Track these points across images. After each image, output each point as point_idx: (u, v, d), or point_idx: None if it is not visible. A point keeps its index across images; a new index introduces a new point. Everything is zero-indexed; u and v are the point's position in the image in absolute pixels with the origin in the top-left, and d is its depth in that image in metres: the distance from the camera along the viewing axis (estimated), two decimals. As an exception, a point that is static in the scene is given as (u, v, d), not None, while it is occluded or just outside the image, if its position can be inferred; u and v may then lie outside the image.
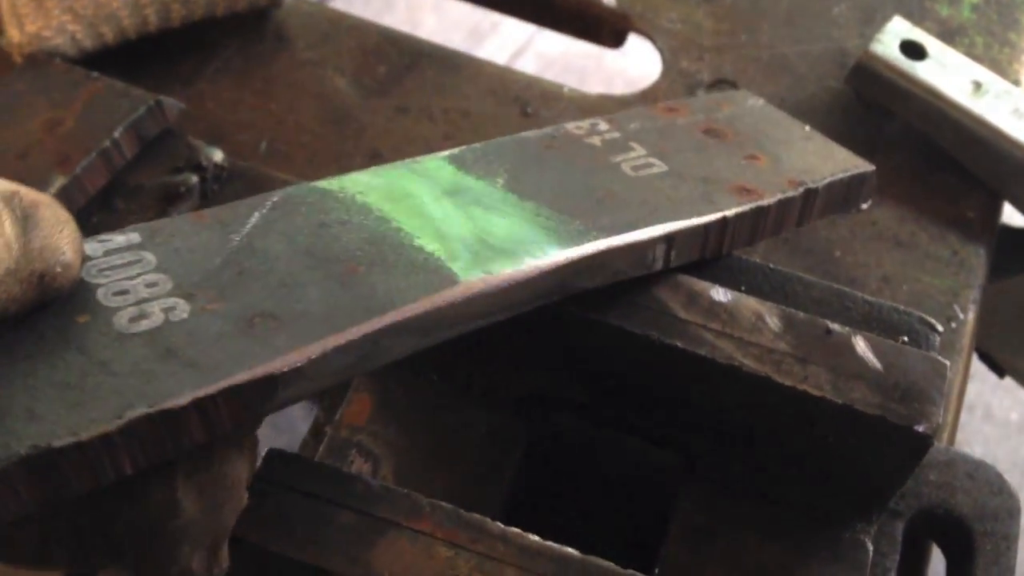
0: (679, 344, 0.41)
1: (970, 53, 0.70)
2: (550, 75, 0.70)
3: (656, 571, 0.41)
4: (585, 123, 0.49)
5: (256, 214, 0.39)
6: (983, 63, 0.67)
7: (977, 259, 0.61)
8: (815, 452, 0.42)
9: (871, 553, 0.43)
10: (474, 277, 0.37)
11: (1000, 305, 0.68)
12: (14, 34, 0.60)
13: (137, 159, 0.58)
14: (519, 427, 0.45)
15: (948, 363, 0.41)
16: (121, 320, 0.33)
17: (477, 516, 0.37)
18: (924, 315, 0.44)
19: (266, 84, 0.66)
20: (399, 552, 0.36)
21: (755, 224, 0.45)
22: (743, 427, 0.43)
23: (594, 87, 0.71)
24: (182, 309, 0.34)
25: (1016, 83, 0.68)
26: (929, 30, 0.69)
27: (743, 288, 0.45)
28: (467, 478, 0.44)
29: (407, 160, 0.45)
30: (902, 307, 0.44)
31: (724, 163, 0.47)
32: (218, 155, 0.59)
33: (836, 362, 0.41)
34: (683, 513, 0.43)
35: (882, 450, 0.41)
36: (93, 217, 0.56)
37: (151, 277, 0.35)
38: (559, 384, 0.46)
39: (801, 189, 0.46)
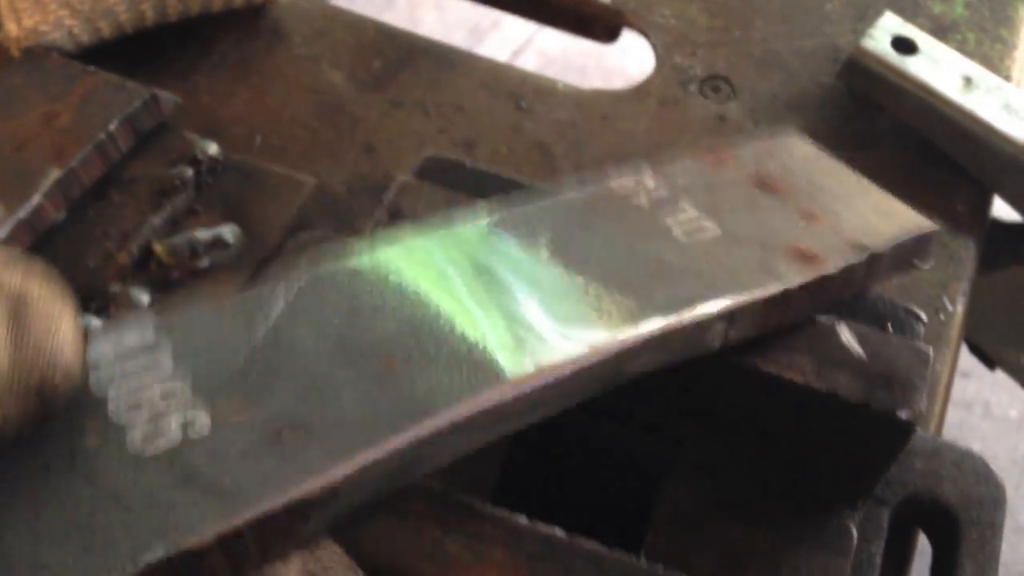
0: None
1: (962, 49, 0.70)
2: (551, 72, 0.70)
3: (641, 554, 0.41)
4: (630, 178, 0.45)
5: (282, 301, 0.36)
6: (975, 59, 0.68)
7: (967, 252, 0.61)
8: (799, 439, 0.43)
9: (856, 539, 0.44)
10: (521, 370, 0.34)
11: (990, 298, 0.68)
12: (11, 28, 0.61)
13: (133, 152, 0.59)
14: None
15: (931, 351, 0.42)
16: (135, 440, 0.30)
17: (467, 497, 0.37)
18: (909, 305, 0.44)
19: (261, 78, 0.66)
20: (388, 532, 0.36)
21: (819, 294, 0.42)
22: (728, 414, 0.44)
23: (594, 84, 0.72)
24: (202, 424, 0.31)
25: (1007, 79, 0.69)
26: (922, 26, 0.70)
27: (730, 277, 0.45)
28: (457, 462, 0.44)
29: (442, 225, 0.41)
30: (887, 297, 0.45)
31: (780, 223, 0.43)
32: (213, 148, 0.60)
33: (820, 350, 0.42)
34: (668, 499, 0.44)
35: (866, 437, 0.42)
36: (89, 209, 0.57)
37: (168, 386, 0.32)
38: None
39: (866, 255, 0.43)
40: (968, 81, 0.64)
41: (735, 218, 0.43)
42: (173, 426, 0.31)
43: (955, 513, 0.48)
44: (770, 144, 0.49)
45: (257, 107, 0.65)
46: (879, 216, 0.45)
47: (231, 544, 0.29)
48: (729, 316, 0.39)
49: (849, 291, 0.43)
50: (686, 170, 0.46)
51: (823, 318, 0.42)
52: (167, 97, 0.60)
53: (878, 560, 0.46)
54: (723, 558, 0.43)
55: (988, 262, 0.66)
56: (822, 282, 0.41)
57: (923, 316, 0.44)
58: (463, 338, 0.35)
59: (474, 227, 0.41)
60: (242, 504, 0.29)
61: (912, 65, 0.64)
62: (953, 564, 0.47)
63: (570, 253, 0.40)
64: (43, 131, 0.57)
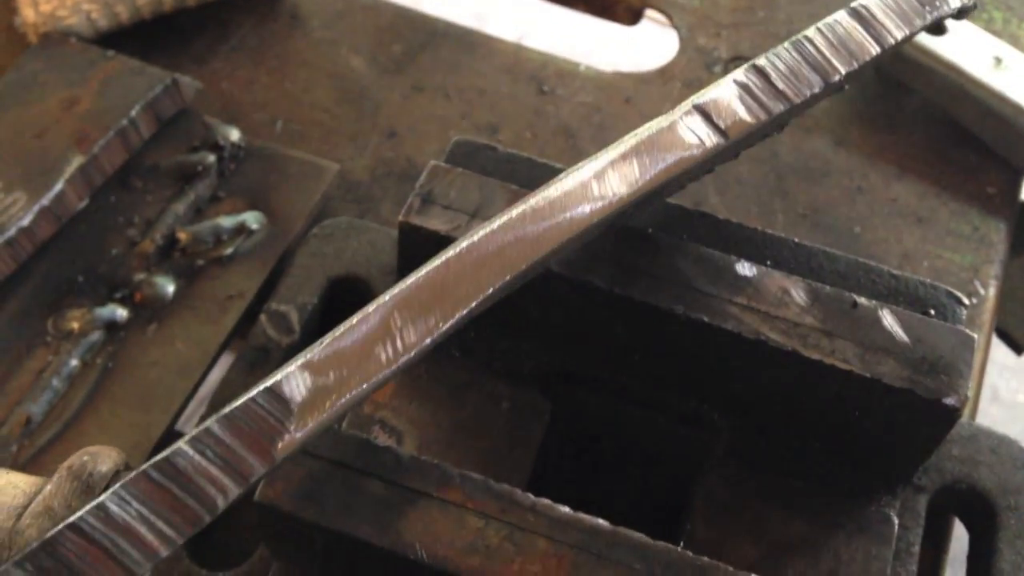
0: (705, 318, 0.41)
1: (989, 28, 0.69)
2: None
3: (681, 544, 0.41)
4: None
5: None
6: (1002, 38, 0.67)
7: (998, 235, 0.60)
8: (841, 426, 0.42)
9: (897, 526, 0.43)
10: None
11: (1019, 282, 0.67)
12: (28, 14, 0.60)
13: (154, 138, 0.58)
14: (542, 403, 0.45)
15: (976, 336, 0.41)
16: None
17: (507, 487, 0.37)
18: (950, 288, 0.44)
19: (281, 63, 0.65)
20: (430, 521, 0.36)
21: (805, 57, 0.40)
22: (769, 402, 0.43)
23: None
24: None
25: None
26: (947, 6, 0.68)
27: (768, 263, 0.44)
28: (490, 453, 0.43)
29: None
30: (928, 280, 0.44)
31: None
32: (235, 134, 0.59)
33: (863, 336, 0.41)
34: (708, 488, 0.43)
35: (909, 423, 0.41)
36: (111, 196, 0.56)
37: None
38: (582, 360, 0.46)
39: (843, 12, 0.41)
40: (998, 61, 0.63)
41: None
42: None
43: (993, 499, 0.47)
44: None
45: (277, 92, 0.64)
46: None
47: (209, 447, 0.30)
48: (707, 106, 0.39)
49: (853, 54, 0.41)
50: None
51: (865, 302, 0.42)
52: (188, 82, 0.59)
53: (916, 549, 0.46)
54: (763, 546, 0.42)
55: (1017, 246, 0.65)
56: (799, 48, 0.40)
57: (964, 299, 0.43)
58: None
59: None
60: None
61: (941, 45, 0.63)
62: (992, 551, 0.46)
63: None
64: (64, 117, 0.56)
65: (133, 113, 0.56)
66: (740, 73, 0.40)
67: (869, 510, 0.44)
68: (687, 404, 0.45)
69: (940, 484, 0.47)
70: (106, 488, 0.32)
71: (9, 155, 0.54)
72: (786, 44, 0.41)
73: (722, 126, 0.39)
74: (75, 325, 0.51)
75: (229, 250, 0.55)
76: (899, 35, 0.42)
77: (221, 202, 0.57)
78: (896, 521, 0.44)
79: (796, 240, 0.45)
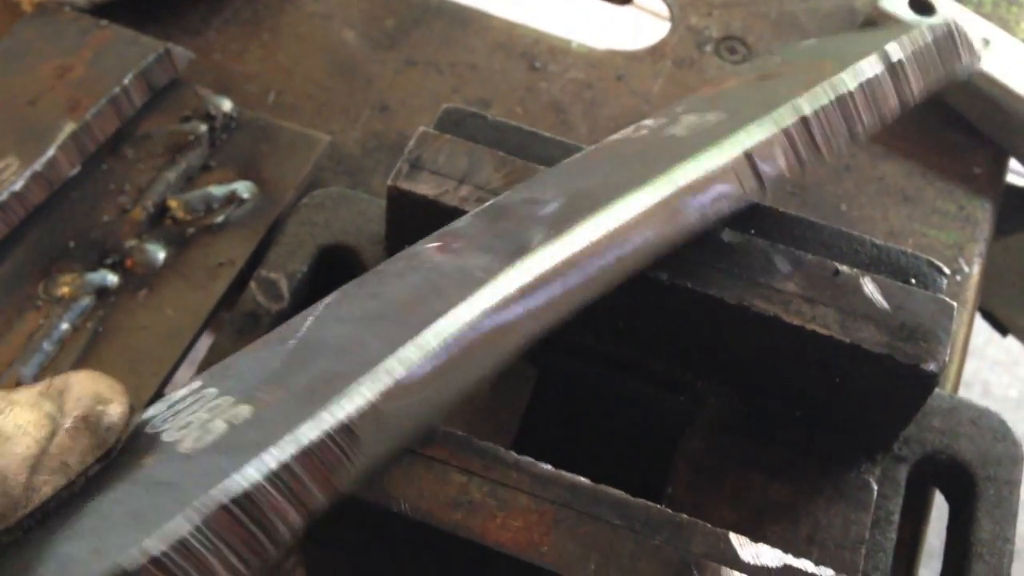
0: (688, 284, 0.42)
1: (978, 11, 0.70)
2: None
3: (663, 505, 0.41)
4: (628, 128, 0.46)
5: (310, 317, 0.36)
6: (992, 21, 0.67)
7: (983, 213, 0.61)
8: (822, 392, 0.43)
9: (876, 493, 0.44)
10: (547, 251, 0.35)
11: (1003, 263, 0.68)
12: (23, -18, 0.60)
13: (146, 107, 0.59)
14: (528, 369, 0.46)
15: (955, 304, 0.42)
16: (186, 445, 0.31)
17: (490, 444, 0.37)
18: (931, 258, 0.44)
19: (274, 36, 0.66)
20: (414, 477, 0.36)
21: (845, 114, 0.40)
22: (751, 369, 0.44)
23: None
24: (244, 414, 0.31)
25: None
26: (937, -12, 0.69)
27: (752, 231, 0.45)
28: (476, 416, 0.44)
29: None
30: (910, 250, 0.45)
31: (785, 88, 0.42)
32: (227, 105, 0.60)
33: (844, 302, 0.41)
34: (689, 453, 0.44)
35: (889, 389, 0.41)
36: (103, 164, 0.56)
37: (213, 403, 0.33)
38: (567, 328, 0.46)
39: (880, 64, 0.41)
40: (986, 43, 0.64)
41: (738, 101, 0.43)
42: (219, 424, 0.31)
43: (972, 470, 0.48)
44: (770, 57, 0.48)
45: (270, 64, 0.64)
46: (890, 37, 0.43)
47: (284, 479, 0.29)
48: (749, 155, 0.39)
49: (888, 106, 0.42)
50: (686, 100, 0.46)
51: (847, 270, 0.42)
52: (181, 52, 0.59)
53: (896, 517, 0.46)
54: (743, 510, 0.43)
55: (1002, 227, 0.66)
56: (842, 104, 0.40)
57: (945, 269, 0.44)
58: (476, 267, 0.35)
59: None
60: (287, 441, 0.29)
61: (930, 26, 0.63)
62: (970, 520, 0.47)
63: (575, 185, 0.40)
64: (57, 85, 0.56)
65: (126, 81, 0.56)
66: (787, 120, 0.40)
67: (849, 476, 0.44)
68: (671, 371, 0.45)
69: (921, 454, 0.48)
70: (116, 443, 0.32)
71: (1, 121, 0.54)
72: (831, 95, 0.40)
73: (764, 174, 0.39)
74: (66, 290, 0.52)
75: (220, 218, 0.55)
76: (917, 93, 0.42)
77: (212, 171, 0.57)
78: (875, 487, 0.44)
79: (780, 209, 0.46)
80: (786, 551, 0.37)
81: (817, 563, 0.37)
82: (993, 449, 0.49)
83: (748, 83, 0.45)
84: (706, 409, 0.45)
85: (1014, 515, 0.48)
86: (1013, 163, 0.65)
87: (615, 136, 0.45)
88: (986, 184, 0.62)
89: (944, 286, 0.44)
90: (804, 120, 0.39)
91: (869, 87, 0.41)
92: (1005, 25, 0.69)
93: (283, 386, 0.32)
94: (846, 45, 0.46)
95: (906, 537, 0.50)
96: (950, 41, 0.43)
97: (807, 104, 0.40)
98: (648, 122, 0.45)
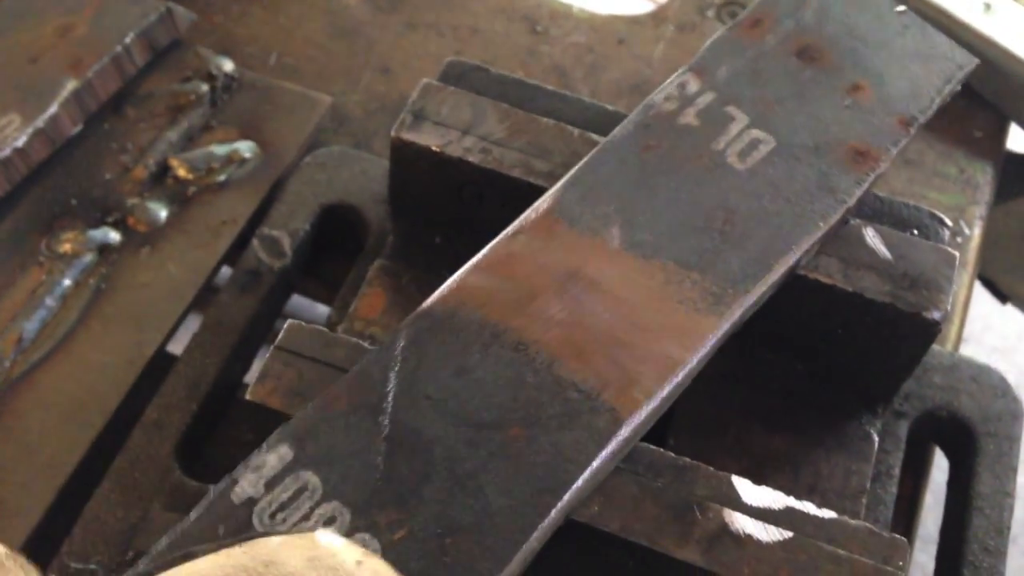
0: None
1: (980, -22, 0.69)
2: None
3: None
4: (672, 86, 0.44)
5: (392, 377, 0.35)
6: (993, -14, 0.67)
7: (983, 176, 0.61)
8: (823, 342, 0.43)
9: (876, 444, 0.44)
10: (634, 406, 0.35)
11: (1004, 229, 0.68)
12: (24, -58, 0.60)
13: (148, 67, 0.58)
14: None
15: (957, 253, 0.42)
16: None
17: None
18: (933, 210, 0.44)
19: (276, -1, 0.66)
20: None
21: (869, 189, 0.42)
22: (754, 319, 0.44)
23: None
24: (373, 547, 0.32)
25: (1025, 6, 0.68)
26: (939, -45, 0.69)
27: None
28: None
29: (510, 230, 0.39)
30: (912, 203, 0.45)
31: (829, 109, 0.43)
32: (228, 65, 0.59)
33: (847, 252, 0.42)
34: (691, 405, 0.44)
35: (891, 338, 0.42)
36: (104, 123, 0.56)
37: (325, 510, 0.33)
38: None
39: (914, 129, 0.43)
40: (987, 7, 0.63)
41: (785, 116, 0.42)
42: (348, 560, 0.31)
43: (973, 426, 0.48)
44: None
45: (271, 26, 0.64)
46: (922, 64, 0.44)
47: None
48: (798, 261, 0.40)
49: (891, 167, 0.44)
50: (725, 51, 0.45)
51: (850, 220, 0.42)
52: (182, 13, 0.59)
53: (896, 472, 0.47)
54: (745, 460, 0.43)
55: (1002, 193, 0.66)
56: (875, 180, 0.42)
57: (947, 220, 0.44)
58: (571, 384, 0.35)
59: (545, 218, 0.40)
60: None
61: (932, -10, 0.63)
62: (971, 475, 0.47)
63: (641, 229, 0.39)
64: (59, 43, 0.56)
65: (127, 40, 0.56)
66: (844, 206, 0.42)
67: (850, 427, 0.44)
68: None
69: (921, 410, 0.48)
70: None
71: (4, 79, 0.54)
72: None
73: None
74: (68, 247, 0.52)
75: (222, 177, 0.55)
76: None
77: (214, 131, 0.57)
78: (876, 438, 0.44)
79: (783, 163, 0.46)
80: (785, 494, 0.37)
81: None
82: (993, 405, 0.49)
83: (790, 68, 0.44)
84: (708, 361, 0.45)
85: (1014, 470, 0.48)
86: (1014, 129, 0.65)
87: (659, 101, 0.43)
88: (987, 148, 0.62)
89: (946, 237, 0.44)
90: (847, 211, 0.41)
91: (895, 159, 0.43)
92: (1007, -9, 0.69)
93: (401, 515, 0.32)
94: (879, 29, 0.46)
95: (906, 492, 0.50)
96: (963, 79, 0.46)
97: (853, 189, 0.41)
98: (691, 86, 0.44)
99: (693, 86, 0.43)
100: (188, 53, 0.59)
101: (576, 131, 0.45)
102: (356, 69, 0.63)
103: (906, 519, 0.50)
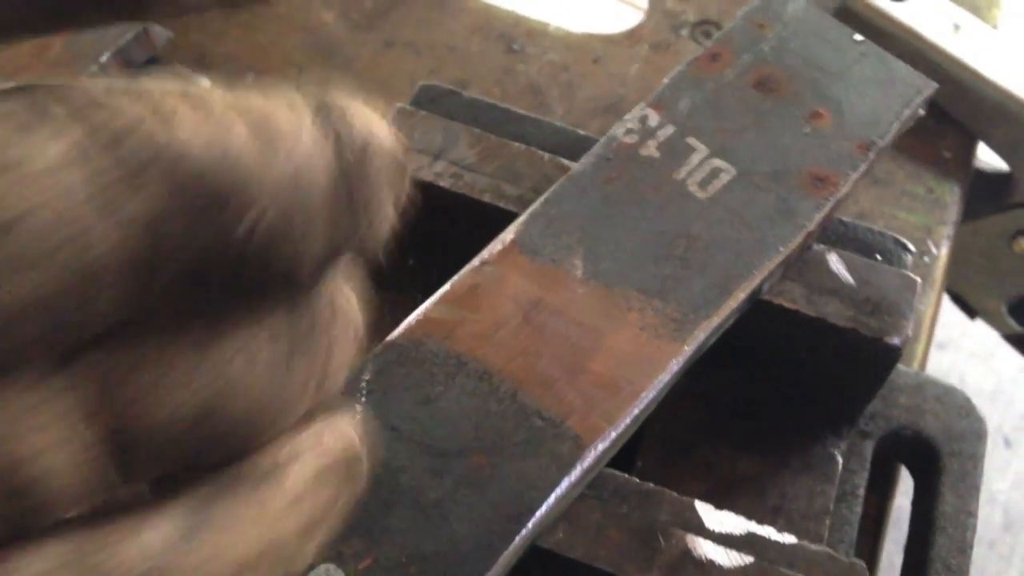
0: (658, 260, 0.42)
1: (950, -2, 0.70)
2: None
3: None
4: (634, 119, 0.44)
5: (357, 408, 0.36)
6: (961, 6, 0.68)
7: (951, 196, 0.62)
8: (788, 365, 0.44)
9: (840, 465, 0.45)
10: (596, 433, 0.36)
11: (972, 247, 0.69)
12: (0, -40, 0.60)
13: (124, 86, 0.59)
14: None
15: (919, 279, 0.42)
16: None
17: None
18: (897, 235, 0.45)
19: (252, 16, 0.66)
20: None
21: (829, 215, 0.43)
22: (720, 344, 0.44)
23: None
24: None
25: (994, 27, 0.69)
26: (910, -25, 0.70)
27: (722, 208, 0.46)
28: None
29: (475, 261, 0.40)
30: (876, 228, 0.46)
31: (789, 136, 0.43)
32: (205, 83, 0.60)
33: (810, 277, 0.42)
34: (659, 428, 0.45)
35: (854, 362, 0.42)
36: (80, 142, 0.57)
37: None
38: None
39: (873, 154, 0.43)
40: (956, 28, 0.64)
41: (745, 146, 0.43)
42: None
43: (937, 446, 0.49)
44: (759, 14, 0.48)
45: (248, 45, 0.65)
46: (880, 90, 0.45)
47: None
48: (759, 289, 0.40)
49: (854, 194, 0.45)
50: (685, 86, 0.45)
51: (814, 246, 0.43)
52: (159, 31, 0.60)
53: (861, 492, 0.47)
54: (711, 482, 0.44)
55: (970, 211, 0.67)
56: (836, 205, 0.42)
57: (910, 246, 0.45)
58: (536, 412, 0.36)
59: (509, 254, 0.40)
60: None
61: (902, 11, 0.64)
62: (935, 495, 0.48)
63: (602, 258, 0.40)
64: (34, 63, 0.56)
65: (103, 60, 0.57)
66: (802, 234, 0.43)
67: (815, 450, 0.45)
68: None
69: (886, 430, 0.49)
70: None
71: (-21, 98, 0.55)
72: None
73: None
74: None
75: (197, 196, 0.55)
76: None
77: (190, 150, 0.58)
78: (840, 460, 0.45)
79: (750, 188, 0.46)
80: (752, 521, 0.38)
81: (781, 531, 0.38)
82: (958, 425, 0.50)
83: (748, 99, 0.45)
84: (676, 384, 0.46)
85: (977, 489, 0.49)
86: (982, 147, 0.66)
87: (619, 135, 0.44)
88: (955, 168, 0.63)
89: (909, 262, 0.45)
90: (808, 235, 0.42)
91: (856, 184, 0.44)
92: (975, 10, 0.70)
93: (369, 546, 0.33)
94: (837, 58, 0.47)
95: (872, 511, 0.51)
96: (922, 104, 0.47)
97: (813, 214, 0.42)
98: (652, 119, 0.44)
99: (654, 120, 0.44)
100: (165, 71, 0.60)
101: (547, 156, 0.45)
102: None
103: (872, 537, 0.51)
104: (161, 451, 0.19)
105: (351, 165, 0.19)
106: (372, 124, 0.20)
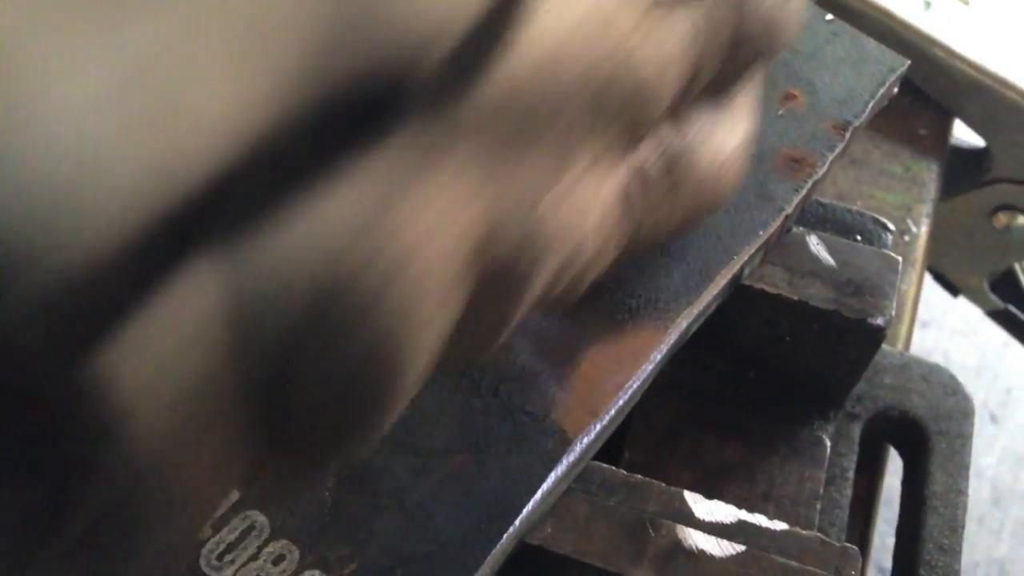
0: (637, 248, 0.42)
1: (920, -25, 0.70)
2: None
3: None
4: None
5: None
6: (932, -16, 0.68)
7: (929, 174, 0.62)
8: (772, 350, 0.43)
9: (829, 449, 0.44)
10: (581, 425, 0.35)
11: (951, 224, 0.69)
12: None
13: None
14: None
15: (900, 259, 0.42)
16: None
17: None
18: (876, 216, 0.45)
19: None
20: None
21: (807, 197, 0.42)
22: (703, 332, 0.44)
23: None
24: None
25: (965, 3, 0.69)
26: (879, -46, 0.70)
27: (699, 194, 0.45)
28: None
29: None
30: (855, 208, 0.45)
31: (763, 119, 0.41)
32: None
33: (791, 260, 0.42)
34: (645, 417, 0.44)
35: (837, 345, 0.42)
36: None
37: (273, 548, 0.32)
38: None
39: (848, 133, 0.43)
40: (928, 5, 0.64)
41: None
42: None
43: (924, 425, 0.48)
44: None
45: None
46: (852, 68, 0.45)
47: None
48: (738, 275, 0.40)
49: (830, 176, 0.44)
50: None
51: (793, 228, 0.42)
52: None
53: (851, 475, 0.47)
54: (700, 471, 0.43)
55: (948, 189, 0.67)
56: (813, 186, 0.42)
57: (890, 225, 0.44)
58: (517, 407, 0.35)
59: None
60: None
61: (872, -10, 0.64)
62: (924, 474, 0.47)
63: None
64: None
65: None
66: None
67: (802, 434, 0.45)
68: (623, 336, 0.45)
69: (873, 411, 0.48)
70: None
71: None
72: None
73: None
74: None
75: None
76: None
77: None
78: (828, 443, 0.45)
79: (727, 172, 0.46)
80: (742, 508, 0.38)
81: (772, 518, 0.38)
82: (944, 404, 0.49)
83: None
84: (662, 373, 0.45)
85: (966, 467, 0.48)
86: (958, 124, 0.66)
87: None
88: (931, 145, 0.63)
89: (889, 242, 0.44)
90: (785, 219, 0.41)
91: (832, 165, 0.43)
92: (946, -12, 0.70)
93: (352, 551, 0.32)
94: (810, 39, 0.47)
95: (862, 493, 0.50)
96: (896, 82, 0.47)
97: (791, 197, 0.41)
98: None
99: None
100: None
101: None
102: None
103: (863, 519, 0.51)
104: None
105: None
106: None
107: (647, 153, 0.25)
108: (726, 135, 0.28)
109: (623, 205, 0.25)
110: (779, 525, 0.36)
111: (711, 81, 0.26)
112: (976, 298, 0.73)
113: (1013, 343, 0.81)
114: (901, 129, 0.63)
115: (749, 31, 0.25)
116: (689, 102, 0.25)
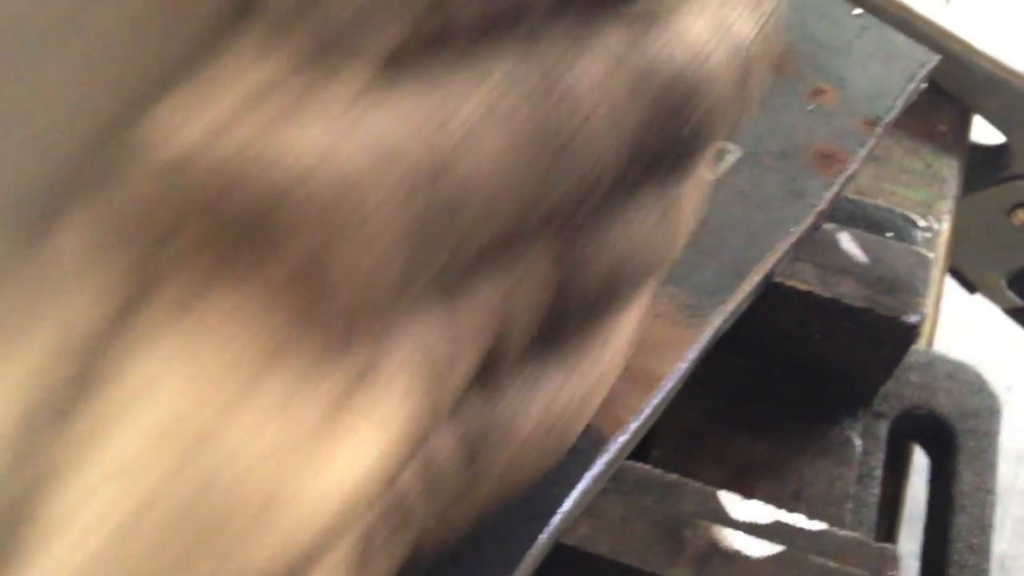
0: (666, 245, 0.41)
1: (937, -29, 0.70)
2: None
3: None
4: None
5: None
6: (950, -20, 0.68)
7: (950, 171, 0.61)
8: (802, 348, 0.43)
9: (858, 448, 0.44)
10: (613, 424, 0.34)
11: (970, 220, 0.69)
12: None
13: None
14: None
15: (932, 255, 0.42)
16: None
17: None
18: (905, 211, 0.44)
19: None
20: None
21: (839, 193, 0.41)
22: (733, 329, 0.43)
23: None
24: None
25: (983, -1, 0.69)
26: (896, -51, 0.69)
27: (728, 190, 0.45)
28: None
29: None
30: (883, 204, 0.45)
31: (793, 114, 0.42)
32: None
33: (822, 257, 0.41)
34: (674, 415, 0.44)
35: (869, 343, 0.42)
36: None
37: None
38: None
39: (880, 129, 0.42)
40: (947, 0, 0.64)
41: (750, 126, 0.41)
42: None
43: (951, 423, 0.48)
44: None
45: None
46: (882, 65, 0.44)
47: None
48: (771, 273, 0.39)
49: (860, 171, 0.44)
50: None
51: (824, 225, 0.42)
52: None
53: (878, 473, 0.47)
54: (729, 470, 0.43)
55: (967, 185, 0.66)
56: (846, 182, 0.41)
57: (919, 221, 0.44)
58: None
59: None
60: None
61: (891, -15, 0.64)
62: (952, 473, 0.47)
63: None
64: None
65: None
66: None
67: (831, 433, 0.44)
68: (650, 334, 0.45)
69: (900, 410, 0.48)
70: None
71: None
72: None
73: None
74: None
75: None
76: None
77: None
78: (858, 442, 0.44)
79: (755, 168, 0.45)
80: (774, 507, 0.37)
81: (807, 518, 0.37)
82: (970, 402, 0.49)
83: None
84: (689, 371, 0.45)
85: (994, 466, 0.48)
86: (977, 120, 0.65)
87: None
88: (952, 141, 0.63)
89: (919, 238, 0.44)
90: (817, 214, 0.40)
91: (863, 161, 0.42)
92: (964, -16, 0.70)
93: None
94: (837, 32, 0.46)
95: (888, 493, 0.50)
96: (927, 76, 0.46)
97: (822, 193, 0.40)
98: None
99: None
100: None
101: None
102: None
103: (889, 518, 0.51)
104: None
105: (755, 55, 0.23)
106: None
107: (440, 442, 0.21)
108: (559, 385, 0.24)
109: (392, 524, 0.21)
110: (817, 525, 0.36)
111: (539, 331, 0.22)
112: (993, 295, 0.73)
113: (1013, 341, 0.81)
114: (921, 125, 0.63)
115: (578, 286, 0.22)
116: (504, 368, 0.21)
